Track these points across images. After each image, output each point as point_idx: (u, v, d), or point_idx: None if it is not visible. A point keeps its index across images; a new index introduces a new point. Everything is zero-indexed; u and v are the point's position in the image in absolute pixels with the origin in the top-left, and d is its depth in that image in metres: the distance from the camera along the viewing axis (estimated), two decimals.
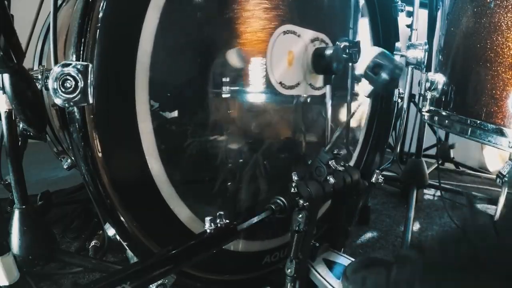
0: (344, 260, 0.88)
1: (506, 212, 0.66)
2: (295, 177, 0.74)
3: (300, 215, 0.71)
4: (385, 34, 1.16)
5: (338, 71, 0.88)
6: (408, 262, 0.70)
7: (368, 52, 0.71)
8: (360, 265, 0.79)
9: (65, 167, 1.23)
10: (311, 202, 0.72)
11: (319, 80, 0.94)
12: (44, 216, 1.21)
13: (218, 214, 0.64)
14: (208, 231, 0.62)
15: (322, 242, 0.93)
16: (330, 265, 0.86)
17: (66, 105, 0.55)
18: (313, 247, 0.88)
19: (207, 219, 0.62)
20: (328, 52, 0.86)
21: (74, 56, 0.56)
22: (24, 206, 0.75)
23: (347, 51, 1.00)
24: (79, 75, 0.54)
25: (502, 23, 0.72)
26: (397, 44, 1.09)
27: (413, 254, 0.73)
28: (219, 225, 0.62)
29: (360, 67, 0.72)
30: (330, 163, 0.76)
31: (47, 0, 0.70)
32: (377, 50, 0.72)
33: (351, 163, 1.16)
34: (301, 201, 0.71)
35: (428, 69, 1.06)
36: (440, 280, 0.58)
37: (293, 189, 0.71)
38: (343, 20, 1.05)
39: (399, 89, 1.18)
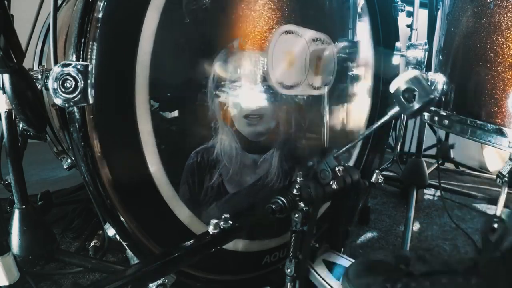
0: (344, 261, 0.88)
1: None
2: (299, 178, 0.74)
3: (297, 215, 0.71)
4: (385, 34, 1.16)
5: None
6: (414, 281, 0.70)
7: (404, 73, 0.67)
8: (363, 268, 0.79)
9: (65, 167, 1.23)
10: (311, 204, 0.72)
11: (319, 80, 0.94)
12: (44, 216, 1.21)
13: (223, 217, 0.63)
14: (211, 233, 0.62)
15: (322, 243, 0.93)
16: (330, 266, 0.86)
17: (66, 105, 0.55)
18: (313, 248, 0.88)
19: (213, 221, 0.62)
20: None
21: (74, 56, 0.56)
22: (24, 206, 0.75)
23: (347, 51, 1.00)
24: (79, 75, 0.54)
25: (502, 23, 0.72)
26: (397, 44, 1.09)
27: (419, 265, 0.72)
28: (221, 227, 0.62)
29: (392, 86, 0.68)
30: (336, 169, 0.76)
31: (47, 0, 0.70)
32: (413, 73, 0.66)
33: (351, 163, 1.16)
34: (301, 204, 0.71)
35: (428, 69, 1.06)
36: None
37: (295, 190, 0.71)
38: (343, 20, 1.05)
39: None
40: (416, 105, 0.64)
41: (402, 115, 0.69)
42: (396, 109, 0.68)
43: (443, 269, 0.70)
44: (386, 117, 0.71)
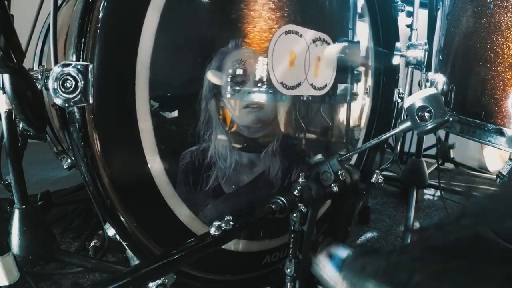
0: (345, 253, 0.87)
1: (503, 190, 0.65)
2: (301, 179, 0.74)
3: (295, 215, 0.71)
4: (385, 34, 1.16)
5: None
6: (408, 246, 0.69)
7: (422, 90, 0.65)
8: (359, 253, 0.78)
9: (65, 167, 1.23)
10: (310, 205, 0.72)
11: (321, 80, 0.94)
12: (44, 216, 1.21)
13: (226, 219, 0.63)
14: (211, 234, 0.62)
15: (323, 237, 0.92)
16: (332, 259, 0.86)
17: (66, 105, 0.55)
18: (316, 240, 0.88)
19: (215, 224, 0.62)
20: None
21: (74, 56, 0.56)
22: (24, 206, 0.75)
23: (347, 50, 1.00)
24: (79, 75, 0.54)
25: (502, 23, 0.72)
26: (397, 44, 1.09)
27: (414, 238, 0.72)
28: (223, 228, 0.62)
29: (407, 100, 0.67)
30: (339, 173, 0.76)
31: (47, 0, 0.70)
32: (431, 91, 0.64)
33: (351, 163, 1.16)
34: (301, 205, 0.71)
35: (428, 69, 1.06)
36: (441, 267, 0.58)
37: (296, 191, 0.71)
38: (343, 20, 1.05)
39: (399, 89, 1.18)
40: (430, 125, 0.63)
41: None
42: (407, 124, 0.66)
43: (433, 226, 0.70)
44: (396, 130, 0.70)
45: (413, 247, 0.68)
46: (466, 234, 0.61)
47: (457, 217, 0.65)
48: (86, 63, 0.55)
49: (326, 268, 0.82)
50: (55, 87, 0.54)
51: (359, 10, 1.09)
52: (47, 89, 0.55)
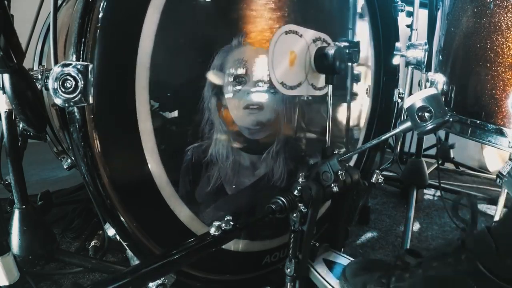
0: (344, 260, 0.88)
1: (504, 218, 0.65)
2: (301, 179, 0.73)
3: (295, 214, 0.71)
4: (385, 34, 1.16)
5: (341, 71, 0.87)
6: (408, 272, 0.70)
7: (422, 90, 0.65)
8: (359, 267, 0.79)
9: (65, 167, 1.23)
10: (310, 205, 0.72)
11: (321, 80, 0.94)
12: (44, 216, 1.21)
13: (226, 219, 0.63)
14: (211, 234, 0.62)
15: (322, 242, 0.93)
16: (330, 265, 0.86)
17: (66, 105, 0.55)
18: (313, 247, 0.88)
19: (215, 224, 0.62)
20: (331, 51, 0.85)
21: (74, 56, 0.56)
22: (24, 206, 0.75)
23: (347, 51, 1.00)
24: (79, 75, 0.54)
25: (502, 23, 0.72)
26: (397, 44, 1.09)
27: (413, 261, 0.72)
28: (223, 228, 0.62)
29: (407, 101, 0.66)
30: (339, 173, 0.76)
31: (47, 0, 0.70)
32: (432, 91, 0.64)
33: (351, 163, 1.16)
34: (301, 205, 0.71)
35: (428, 69, 1.06)
36: None
37: (296, 191, 0.71)
38: (344, 20, 1.05)
39: (399, 89, 1.18)
40: (430, 126, 0.63)
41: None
42: (407, 124, 0.66)
43: (433, 254, 0.70)
44: (396, 130, 0.70)
45: (412, 275, 0.68)
46: (464, 269, 0.61)
47: (457, 249, 0.66)
48: (86, 63, 0.55)
49: (325, 276, 0.82)
50: (55, 87, 0.54)
51: (359, 10, 1.09)
52: (47, 89, 0.55)
